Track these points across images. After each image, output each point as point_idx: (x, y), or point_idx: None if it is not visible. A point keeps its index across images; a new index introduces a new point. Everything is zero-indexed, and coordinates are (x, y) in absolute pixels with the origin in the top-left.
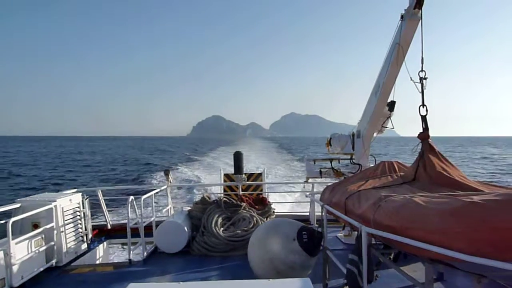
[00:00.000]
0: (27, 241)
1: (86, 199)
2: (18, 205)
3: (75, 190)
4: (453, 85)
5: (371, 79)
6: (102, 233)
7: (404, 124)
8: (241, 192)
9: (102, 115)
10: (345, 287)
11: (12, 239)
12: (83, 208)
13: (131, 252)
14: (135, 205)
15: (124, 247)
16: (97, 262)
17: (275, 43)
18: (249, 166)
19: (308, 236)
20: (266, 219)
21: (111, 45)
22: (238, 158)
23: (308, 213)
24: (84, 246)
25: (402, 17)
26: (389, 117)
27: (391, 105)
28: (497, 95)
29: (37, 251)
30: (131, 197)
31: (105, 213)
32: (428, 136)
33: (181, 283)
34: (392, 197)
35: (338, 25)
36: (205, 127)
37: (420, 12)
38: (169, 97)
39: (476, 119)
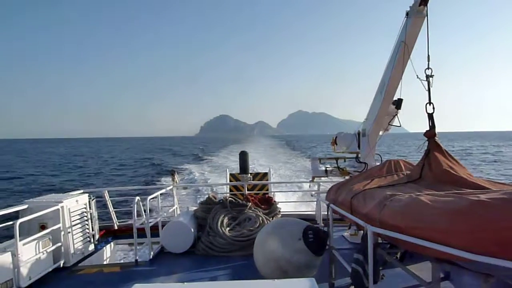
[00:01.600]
0: (35, 242)
1: (92, 200)
2: (25, 206)
3: (81, 191)
4: (461, 82)
5: (378, 75)
6: (109, 234)
7: (413, 120)
8: (246, 192)
9: (108, 117)
10: (351, 286)
11: (20, 240)
12: (90, 209)
13: (138, 252)
14: (141, 206)
15: (131, 247)
16: (104, 262)
17: (280, 42)
18: (256, 165)
19: (313, 235)
20: (272, 219)
21: (115, 48)
22: (243, 158)
23: (314, 212)
24: (91, 246)
25: (407, 14)
26: (396, 115)
27: (398, 103)
28: (502, 91)
29: (44, 252)
30: (137, 198)
31: (111, 213)
32: (435, 134)
33: (185, 283)
34: (398, 196)
35: (344, 22)
36: (212, 126)
37: (426, 9)
38: (176, 98)
39: (486, 114)
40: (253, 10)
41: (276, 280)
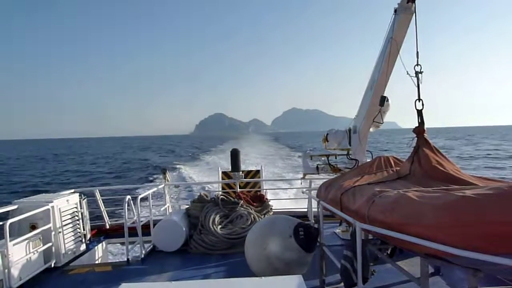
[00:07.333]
0: (25, 242)
1: (83, 200)
2: (15, 207)
3: (72, 190)
4: (451, 79)
5: (369, 72)
6: (100, 233)
7: (405, 116)
8: (238, 190)
9: (104, 116)
10: (342, 283)
11: (10, 241)
12: (81, 208)
13: (129, 251)
14: (133, 205)
15: (123, 246)
16: (96, 262)
17: (274, 40)
18: (251, 162)
19: (304, 232)
20: (264, 216)
21: (110, 46)
22: (235, 156)
23: (306, 210)
24: (83, 246)
25: (395, 11)
26: (379, 111)
27: (381, 100)
28: (495, 86)
29: (35, 252)
30: (128, 197)
31: (103, 213)
32: (424, 130)
33: (173, 282)
34: (386, 193)
35: (336, 20)
36: (207, 125)
37: (414, 5)
38: (171, 96)
39: (478, 109)
40: (248, 9)
41: (263, 277)
